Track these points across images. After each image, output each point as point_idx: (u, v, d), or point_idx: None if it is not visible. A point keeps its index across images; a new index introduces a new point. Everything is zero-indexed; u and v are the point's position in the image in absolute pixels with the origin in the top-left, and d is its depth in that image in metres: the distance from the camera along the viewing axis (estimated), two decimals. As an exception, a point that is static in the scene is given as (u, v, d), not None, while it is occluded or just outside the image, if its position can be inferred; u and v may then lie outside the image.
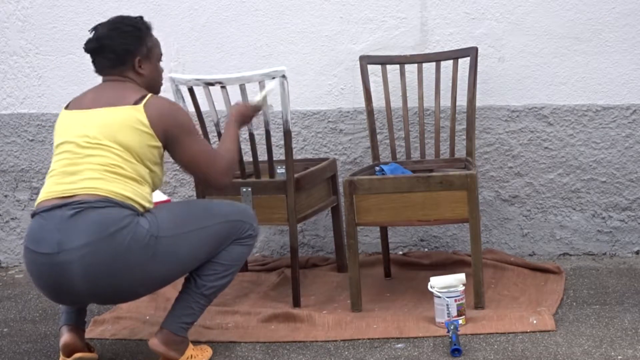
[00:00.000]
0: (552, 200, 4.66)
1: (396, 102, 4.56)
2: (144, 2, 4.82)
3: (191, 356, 3.49)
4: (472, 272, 3.91)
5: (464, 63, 4.46)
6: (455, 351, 3.44)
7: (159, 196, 4.23)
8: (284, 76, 3.90)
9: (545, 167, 4.65)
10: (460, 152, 4.55)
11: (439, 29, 4.66)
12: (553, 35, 4.58)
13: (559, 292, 4.07)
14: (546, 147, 4.63)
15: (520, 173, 4.67)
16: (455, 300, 3.70)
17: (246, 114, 3.78)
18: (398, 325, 3.75)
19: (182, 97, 4.08)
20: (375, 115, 4.53)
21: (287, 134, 4.02)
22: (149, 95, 3.48)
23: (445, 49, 4.61)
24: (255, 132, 4.10)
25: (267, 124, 4.03)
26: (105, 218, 3.27)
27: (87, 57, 3.60)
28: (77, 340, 3.53)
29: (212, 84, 3.98)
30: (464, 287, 3.74)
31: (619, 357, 3.35)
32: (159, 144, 3.44)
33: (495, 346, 3.52)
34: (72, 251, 3.24)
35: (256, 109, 3.82)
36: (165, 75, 3.74)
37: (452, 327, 3.53)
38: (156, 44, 3.63)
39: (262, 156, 4.17)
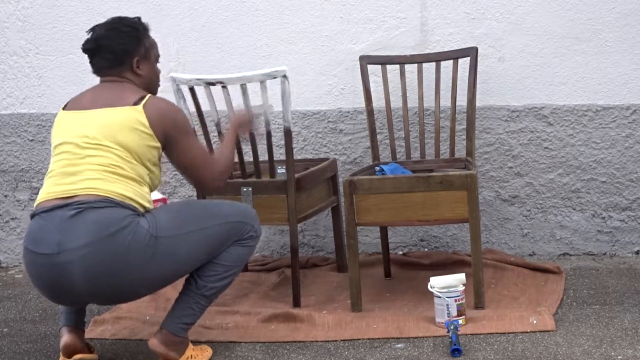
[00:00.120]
0: (552, 200, 4.66)
1: (396, 102, 4.56)
2: (143, 2, 4.82)
3: (191, 356, 3.49)
4: (472, 272, 3.91)
5: (464, 63, 4.46)
6: (455, 351, 3.44)
7: (154, 195, 4.23)
8: (284, 76, 3.90)
9: (545, 167, 4.65)
10: (460, 152, 4.55)
11: (439, 29, 4.66)
12: (553, 35, 4.58)
13: (559, 292, 4.07)
14: (546, 147, 4.63)
15: (520, 173, 4.67)
16: (455, 300, 3.70)
17: (245, 122, 3.85)
18: (398, 325, 3.75)
19: (183, 97, 4.09)
20: (375, 115, 4.54)
21: (288, 134, 4.02)
22: (148, 95, 3.48)
23: (445, 49, 4.61)
24: (256, 133, 4.10)
25: (267, 124, 4.03)
26: (106, 218, 3.27)
27: (87, 57, 3.60)
28: (77, 341, 3.53)
29: (213, 84, 3.98)
30: (464, 287, 3.74)
31: (619, 357, 3.35)
32: (158, 144, 3.45)
33: (495, 346, 3.52)
34: (72, 251, 3.24)
35: (255, 116, 3.89)
36: (166, 75, 3.75)
37: (452, 327, 3.53)
38: (154, 44, 3.64)
39: (263, 156, 4.17)
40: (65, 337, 3.53)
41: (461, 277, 3.75)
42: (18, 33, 4.99)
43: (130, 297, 3.45)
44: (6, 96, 5.04)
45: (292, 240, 4.09)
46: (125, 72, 3.55)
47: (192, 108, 4.11)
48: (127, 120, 3.40)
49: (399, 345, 3.60)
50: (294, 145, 4.67)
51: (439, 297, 3.71)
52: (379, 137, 4.61)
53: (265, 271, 4.64)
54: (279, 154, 4.62)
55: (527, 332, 3.62)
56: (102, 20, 3.62)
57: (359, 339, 3.68)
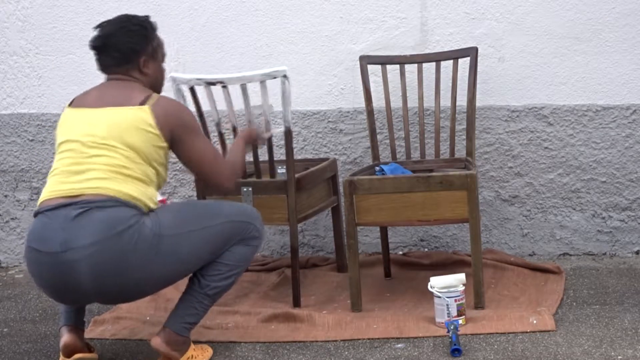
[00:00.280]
0: (552, 200, 4.66)
1: (396, 102, 4.56)
2: (143, 2, 4.82)
3: (192, 356, 3.49)
4: (472, 272, 3.91)
5: (464, 63, 4.46)
6: (455, 351, 3.44)
7: (155, 196, 4.23)
8: (285, 76, 3.90)
9: (545, 167, 4.65)
10: (460, 152, 4.55)
11: (439, 29, 4.66)
12: (553, 35, 4.58)
13: (559, 292, 4.07)
14: (546, 147, 4.63)
15: (520, 173, 4.67)
16: (455, 300, 3.70)
17: (253, 138, 3.91)
18: (398, 325, 3.75)
19: (183, 97, 4.08)
20: (375, 115, 4.53)
21: (288, 134, 4.02)
22: (155, 95, 3.48)
23: (445, 49, 4.61)
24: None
25: (267, 124, 4.03)
26: (112, 217, 3.27)
27: (87, 57, 3.60)
28: (77, 341, 3.53)
29: (213, 84, 3.98)
30: (464, 287, 3.74)
31: (619, 357, 3.35)
32: (165, 144, 3.45)
33: (495, 346, 3.52)
34: (79, 250, 3.24)
35: (262, 137, 3.98)
36: (166, 75, 3.75)
37: (452, 327, 3.53)
38: (161, 44, 3.64)
39: (263, 156, 4.17)
40: (65, 337, 3.53)
41: (461, 277, 3.75)
42: (18, 33, 4.99)
43: (135, 296, 3.44)
44: (6, 96, 5.04)
45: (292, 240, 4.09)
46: (132, 70, 3.55)
47: (192, 108, 4.09)
48: (134, 121, 3.40)
49: (399, 345, 3.60)
50: (294, 145, 4.67)
51: (439, 297, 3.71)
52: (379, 137, 4.61)
53: (265, 271, 4.64)
54: (279, 154, 4.62)
55: (527, 332, 3.62)
56: (102, 20, 3.62)
57: (359, 339, 3.68)
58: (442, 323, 3.68)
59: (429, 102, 4.55)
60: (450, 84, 4.44)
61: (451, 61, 4.46)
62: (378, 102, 4.55)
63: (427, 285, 3.78)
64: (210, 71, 4.71)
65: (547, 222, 4.67)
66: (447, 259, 4.57)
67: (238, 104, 4.06)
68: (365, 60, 4.53)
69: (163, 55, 3.65)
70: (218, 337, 3.77)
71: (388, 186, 3.90)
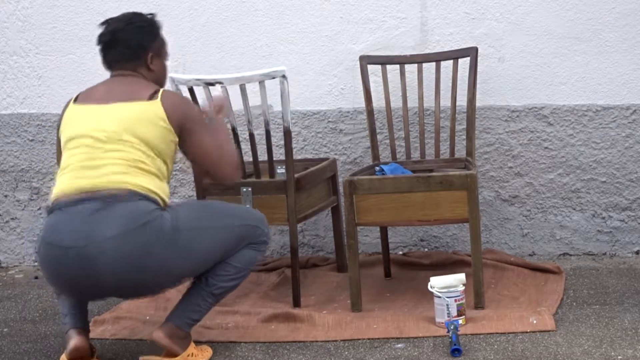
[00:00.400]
0: (552, 200, 4.66)
1: (396, 102, 4.56)
2: (143, 2, 4.81)
3: (192, 354, 3.50)
4: (472, 272, 3.91)
5: (464, 63, 4.46)
6: (455, 351, 3.43)
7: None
8: (284, 76, 3.90)
9: (545, 167, 4.65)
10: (460, 152, 4.55)
11: (439, 29, 4.66)
12: (553, 35, 4.58)
13: (559, 292, 4.07)
14: (546, 147, 4.63)
15: (520, 173, 4.67)
16: (455, 300, 3.70)
17: (222, 106, 3.80)
18: (398, 325, 3.75)
19: (183, 97, 4.09)
20: (375, 115, 4.53)
21: (287, 134, 4.02)
22: (162, 89, 3.51)
23: (445, 49, 4.61)
24: (255, 133, 4.10)
25: (267, 124, 4.03)
26: (134, 211, 3.29)
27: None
28: (86, 344, 3.49)
29: (212, 84, 3.98)
30: (464, 287, 3.74)
31: (619, 357, 3.35)
32: (176, 138, 3.47)
33: (495, 346, 3.52)
34: (101, 243, 3.25)
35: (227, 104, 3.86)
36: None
37: (452, 327, 3.53)
38: (165, 42, 3.67)
39: (262, 156, 4.17)
40: (75, 340, 3.48)
41: (461, 277, 3.75)
42: (18, 33, 4.99)
43: (150, 290, 3.45)
44: (6, 96, 5.04)
45: (292, 240, 4.09)
46: (139, 66, 3.56)
47: (192, 108, 4.11)
48: (147, 115, 3.41)
49: (399, 345, 3.60)
50: (294, 145, 4.66)
51: (439, 297, 3.71)
52: (379, 137, 4.61)
53: (265, 271, 4.64)
54: (279, 154, 4.61)
55: (527, 332, 3.62)
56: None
57: (359, 339, 3.68)
58: (442, 323, 3.68)
59: (429, 102, 4.55)
60: (450, 84, 4.44)
61: (451, 61, 4.46)
62: (378, 102, 4.55)
63: (427, 285, 3.78)
64: (210, 71, 4.71)
65: (547, 222, 4.67)
66: (447, 259, 4.57)
67: (237, 104, 4.05)
68: (365, 60, 4.53)
69: (167, 54, 3.68)
70: (218, 337, 3.77)
71: (388, 186, 3.90)
